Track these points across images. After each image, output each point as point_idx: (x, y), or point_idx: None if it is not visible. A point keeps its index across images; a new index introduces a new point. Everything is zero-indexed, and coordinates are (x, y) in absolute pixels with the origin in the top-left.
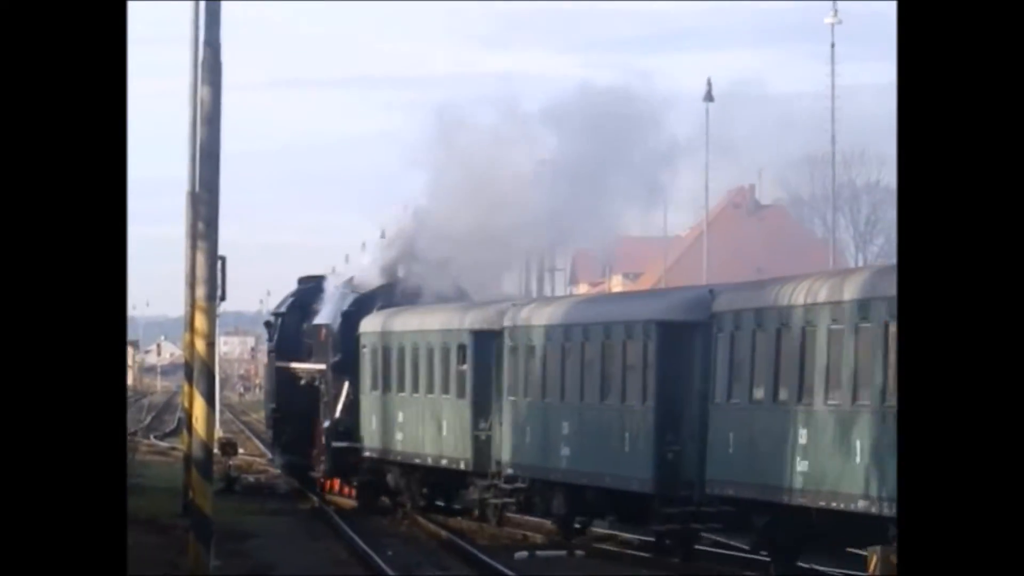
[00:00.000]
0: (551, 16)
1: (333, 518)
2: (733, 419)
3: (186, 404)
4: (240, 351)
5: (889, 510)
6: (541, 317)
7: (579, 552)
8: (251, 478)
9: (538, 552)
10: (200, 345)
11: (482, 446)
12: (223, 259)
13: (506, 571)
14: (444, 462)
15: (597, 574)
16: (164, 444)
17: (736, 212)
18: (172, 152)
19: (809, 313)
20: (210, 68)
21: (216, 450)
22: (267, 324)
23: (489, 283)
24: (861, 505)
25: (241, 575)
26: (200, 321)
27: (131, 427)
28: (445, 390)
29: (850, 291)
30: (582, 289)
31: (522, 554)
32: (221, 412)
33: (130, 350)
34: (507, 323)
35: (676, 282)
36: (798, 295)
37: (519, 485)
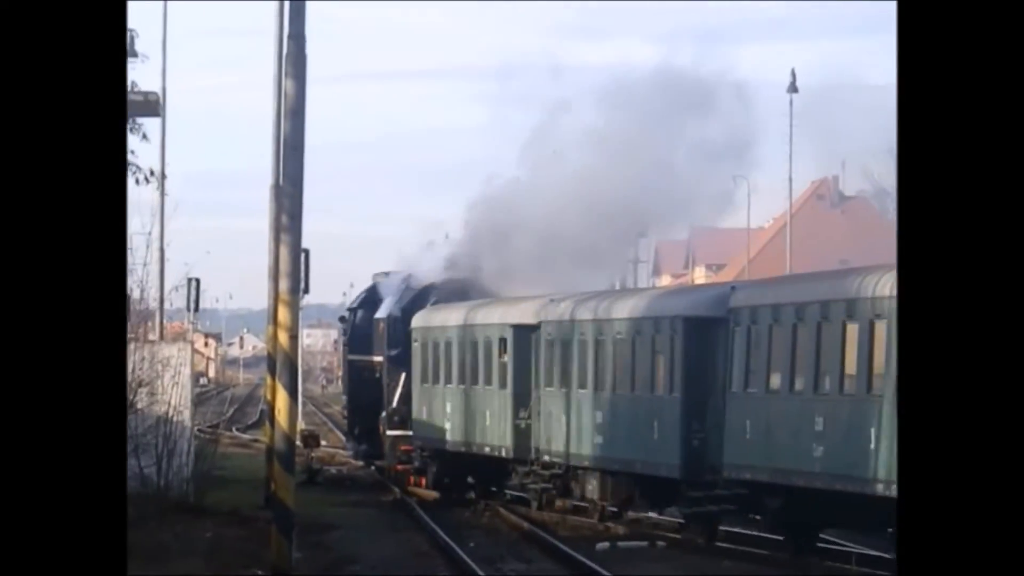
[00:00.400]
0: (635, 6)
1: (415, 510)
2: (749, 407)
3: (268, 396)
4: (323, 344)
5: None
6: (577, 313)
7: (660, 543)
8: (333, 470)
9: (620, 543)
10: (283, 338)
11: (522, 434)
12: (306, 252)
13: (588, 562)
14: (487, 450)
15: (678, 566)
16: (246, 436)
17: (819, 203)
18: (258, 145)
19: (825, 309)
20: (294, 61)
21: (298, 442)
22: (341, 319)
23: (570, 277)
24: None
25: (323, 567)
26: (283, 314)
27: (213, 419)
28: (488, 381)
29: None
30: (665, 281)
31: (604, 545)
32: (303, 404)
33: (212, 343)
34: (544, 317)
35: (759, 273)
36: (811, 292)
37: (556, 471)
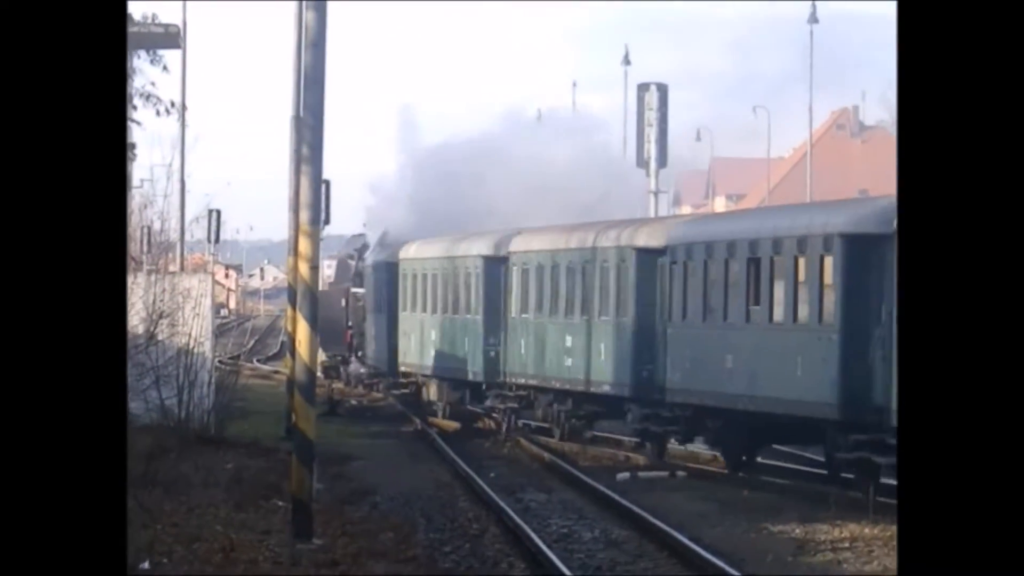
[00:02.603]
0: None
1: (436, 440)
2: (686, 338)
3: (289, 328)
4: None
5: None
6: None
7: (680, 473)
8: (353, 401)
9: (640, 473)
10: (304, 269)
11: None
12: (327, 183)
13: (609, 492)
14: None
15: (698, 496)
16: (267, 368)
17: (840, 134)
18: (280, 76)
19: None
20: None
21: (319, 373)
22: (350, 257)
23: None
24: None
25: (343, 498)
26: (304, 245)
27: (234, 351)
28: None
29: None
30: (685, 211)
31: (624, 475)
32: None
33: (233, 274)
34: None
35: (779, 203)
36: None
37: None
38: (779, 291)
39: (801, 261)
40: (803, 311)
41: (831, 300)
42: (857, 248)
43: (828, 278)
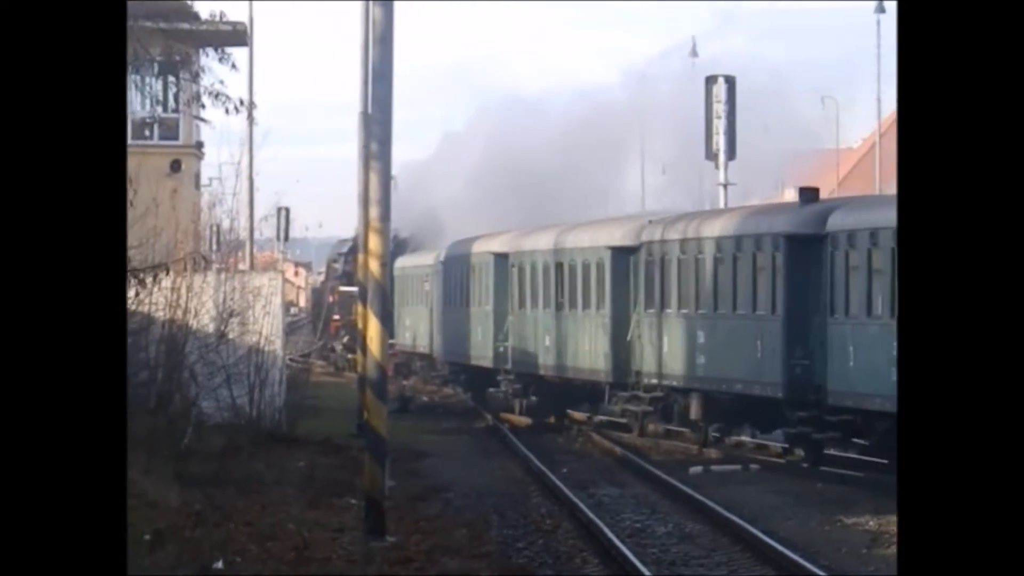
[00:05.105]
0: None
1: (508, 436)
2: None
3: (360, 325)
4: None
5: None
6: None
7: (754, 466)
8: (425, 398)
9: (712, 467)
10: (374, 266)
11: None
12: (394, 179)
13: (681, 486)
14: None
15: (771, 489)
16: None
17: None
18: (348, 73)
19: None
20: None
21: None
22: (333, 262)
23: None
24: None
25: (416, 495)
26: (374, 241)
27: (305, 348)
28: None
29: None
30: (753, 202)
31: (697, 469)
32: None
33: (302, 272)
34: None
35: (848, 193)
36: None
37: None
38: None
39: None
40: None
41: None
42: None
43: None
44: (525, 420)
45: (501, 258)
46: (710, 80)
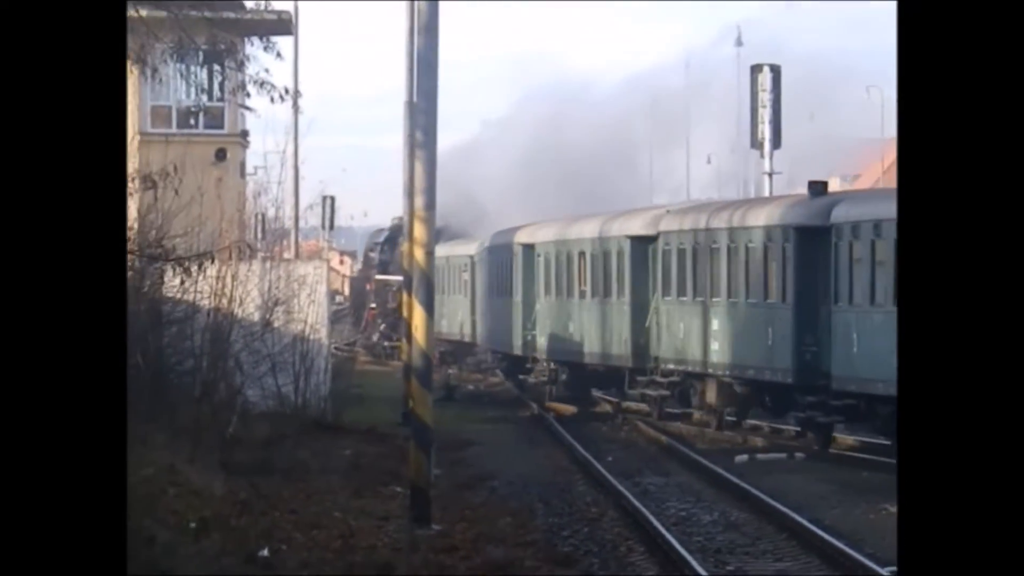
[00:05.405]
0: None
1: (553, 425)
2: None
3: (405, 314)
4: None
5: None
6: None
7: (799, 454)
8: (470, 386)
9: (758, 455)
10: (419, 254)
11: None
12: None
13: (727, 475)
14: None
15: (816, 478)
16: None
17: None
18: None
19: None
20: None
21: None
22: (370, 251)
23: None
24: None
25: (462, 483)
26: (419, 230)
27: (350, 337)
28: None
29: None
30: (799, 191)
31: (742, 457)
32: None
33: (347, 260)
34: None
35: (894, 183)
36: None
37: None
38: None
39: None
40: None
41: None
42: None
43: None
44: (571, 409)
45: (528, 248)
46: (755, 69)
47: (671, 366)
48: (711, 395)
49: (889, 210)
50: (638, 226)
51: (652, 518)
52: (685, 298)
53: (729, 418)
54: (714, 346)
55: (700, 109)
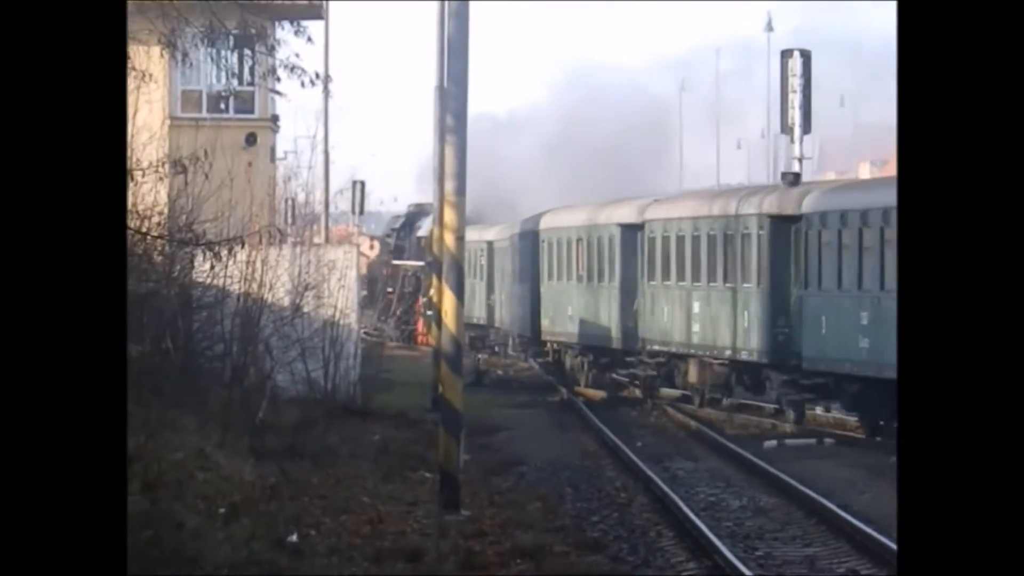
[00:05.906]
0: None
1: (582, 410)
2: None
3: (435, 299)
4: None
5: None
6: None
7: (828, 440)
8: (500, 371)
9: (787, 441)
10: (449, 239)
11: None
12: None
13: (756, 460)
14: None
15: (846, 463)
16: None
17: None
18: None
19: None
20: None
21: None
22: (387, 236)
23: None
24: None
25: (491, 468)
26: (449, 215)
27: (379, 322)
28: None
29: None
30: (828, 177)
31: (771, 443)
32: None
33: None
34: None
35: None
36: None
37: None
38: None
39: None
40: None
41: None
42: None
43: None
44: (600, 394)
45: (532, 234)
46: (785, 54)
47: (657, 347)
48: (693, 375)
49: (855, 200)
50: (626, 214)
51: (681, 503)
52: (669, 283)
53: (714, 396)
54: (695, 328)
55: (732, 95)
